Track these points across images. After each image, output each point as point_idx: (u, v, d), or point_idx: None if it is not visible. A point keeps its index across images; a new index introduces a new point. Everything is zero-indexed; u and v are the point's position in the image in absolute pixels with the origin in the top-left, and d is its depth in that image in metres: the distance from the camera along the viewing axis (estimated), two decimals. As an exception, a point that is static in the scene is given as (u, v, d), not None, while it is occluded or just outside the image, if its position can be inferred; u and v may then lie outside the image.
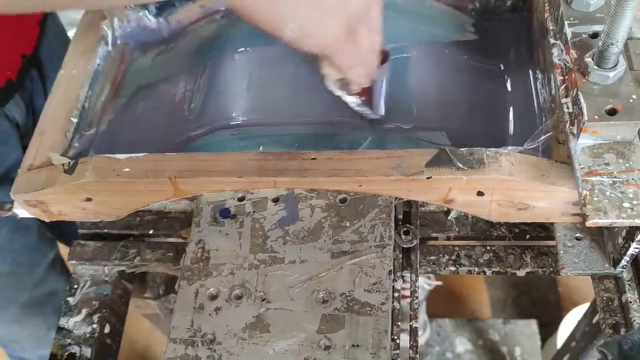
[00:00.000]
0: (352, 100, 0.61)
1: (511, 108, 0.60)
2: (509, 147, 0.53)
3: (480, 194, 0.53)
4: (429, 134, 0.60)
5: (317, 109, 0.63)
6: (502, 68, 0.63)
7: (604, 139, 0.48)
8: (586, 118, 0.46)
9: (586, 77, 0.48)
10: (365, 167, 0.53)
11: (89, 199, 0.60)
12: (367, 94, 0.61)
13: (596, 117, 0.46)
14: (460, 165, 0.51)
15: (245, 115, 0.64)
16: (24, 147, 0.67)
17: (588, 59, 0.48)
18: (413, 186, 0.53)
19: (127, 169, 0.57)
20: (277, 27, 0.49)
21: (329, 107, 0.62)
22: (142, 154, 0.58)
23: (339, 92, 0.60)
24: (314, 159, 0.55)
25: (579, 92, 0.47)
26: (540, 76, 0.60)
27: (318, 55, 0.56)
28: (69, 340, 0.63)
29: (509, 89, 0.62)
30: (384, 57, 0.59)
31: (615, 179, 0.46)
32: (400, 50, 0.64)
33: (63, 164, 0.60)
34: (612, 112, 0.46)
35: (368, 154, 0.54)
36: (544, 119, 0.56)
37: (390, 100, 0.61)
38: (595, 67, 0.47)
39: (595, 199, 0.45)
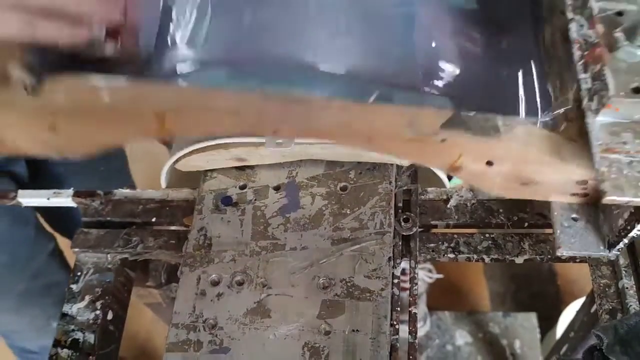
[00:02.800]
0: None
1: (512, 82, 0.59)
2: (523, 117, 0.52)
3: (489, 163, 0.52)
4: (434, 98, 0.58)
5: (329, 49, 0.57)
6: (505, 43, 0.62)
7: (624, 117, 0.47)
8: (612, 93, 0.46)
9: (613, 52, 0.48)
10: (377, 122, 0.51)
11: (53, 129, 0.52)
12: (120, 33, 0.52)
13: (622, 93, 0.46)
14: (476, 130, 0.50)
15: (243, 50, 0.57)
16: None
17: (618, 34, 0.48)
18: (424, 148, 0.51)
19: (106, 97, 0.50)
20: None
21: (342, 50, 0.57)
22: (124, 79, 0.51)
23: None
24: (323, 106, 0.52)
25: (606, 67, 0.47)
26: (544, 51, 0.59)
27: None
28: (72, 327, 0.64)
29: (512, 62, 0.61)
30: None
31: (632, 158, 0.46)
32: (407, 11, 0.61)
33: (24, 82, 0.52)
34: (637, 90, 0.46)
35: (380, 107, 0.52)
36: (547, 95, 0.56)
37: (404, 57, 0.58)
38: (625, 43, 0.47)
39: (612, 176, 0.45)
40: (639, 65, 0.47)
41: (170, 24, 0.56)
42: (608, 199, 0.44)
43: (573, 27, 0.53)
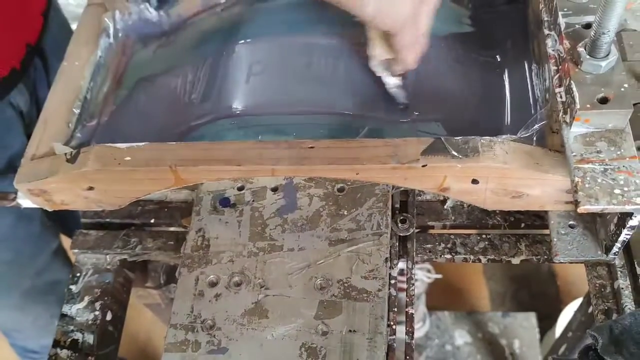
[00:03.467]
0: (394, 82, 0.62)
1: (507, 99, 0.61)
2: (503, 136, 0.53)
3: (475, 181, 0.54)
4: (426, 125, 0.61)
5: (318, 99, 0.64)
6: (498, 60, 0.64)
7: (596, 127, 0.48)
8: (578, 106, 0.47)
9: (579, 66, 0.49)
10: (362, 156, 0.54)
11: (91, 188, 0.61)
12: (405, 79, 0.62)
13: (588, 105, 0.47)
14: (455, 153, 0.52)
15: (245, 105, 0.65)
16: (28, 136, 0.68)
17: (581, 49, 0.49)
18: (409, 174, 0.54)
19: (128, 158, 0.58)
20: (359, 6, 0.53)
21: (330, 97, 0.64)
22: (143, 143, 0.59)
23: (382, 73, 0.62)
24: (311, 147, 0.56)
25: (572, 81, 0.48)
26: (535, 67, 0.61)
27: (369, 37, 0.60)
28: (71, 327, 0.64)
29: (505, 80, 0.63)
30: None
31: (606, 166, 0.47)
32: None
33: (65, 153, 0.61)
34: (603, 101, 0.47)
35: (365, 142, 0.55)
36: (538, 109, 0.57)
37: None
38: (588, 57, 0.48)
39: (587, 185, 0.46)
40: (604, 76, 0.48)
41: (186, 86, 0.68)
42: (582, 208, 0.45)
43: (549, 42, 0.54)
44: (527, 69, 0.62)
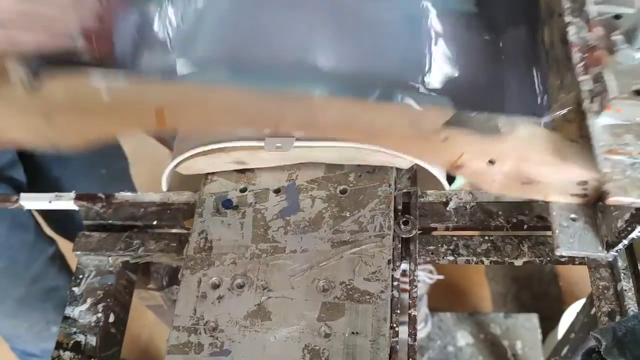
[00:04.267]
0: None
1: (511, 84, 0.60)
2: (526, 118, 0.52)
3: (491, 162, 0.52)
4: (434, 98, 0.58)
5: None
6: (503, 44, 0.63)
7: (626, 119, 0.48)
8: (612, 95, 0.46)
9: (612, 55, 0.48)
10: (378, 120, 0.51)
11: (48, 122, 0.53)
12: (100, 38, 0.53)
13: (624, 95, 0.46)
14: (478, 129, 0.51)
15: (239, 48, 0.58)
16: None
17: (616, 37, 0.48)
18: (426, 147, 0.52)
19: (106, 96, 0.51)
20: None
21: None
22: (124, 81, 0.52)
23: None
24: (323, 103, 0.52)
25: (604, 70, 0.47)
26: (544, 54, 0.60)
27: None
28: (74, 329, 0.64)
29: (511, 64, 0.61)
30: None
31: (635, 160, 0.46)
32: (408, 14, 0.62)
33: (22, 79, 0.53)
34: (639, 93, 0.47)
35: (383, 106, 0.52)
36: (545, 97, 0.56)
37: (406, 57, 0.59)
38: (625, 46, 0.48)
39: (615, 177, 0.46)
40: (639, 67, 0.48)
41: (154, 26, 0.57)
42: (612, 199, 0.45)
43: (571, 30, 0.53)
44: (533, 56, 0.60)
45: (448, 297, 1.48)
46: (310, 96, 0.52)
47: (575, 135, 0.51)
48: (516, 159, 0.52)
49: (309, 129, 0.52)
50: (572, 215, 0.55)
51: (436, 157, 0.53)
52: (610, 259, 0.55)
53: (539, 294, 1.49)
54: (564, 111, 0.53)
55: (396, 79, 0.59)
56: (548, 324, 1.36)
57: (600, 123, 0.48)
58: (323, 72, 0.57)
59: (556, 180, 0.53)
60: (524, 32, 0.62)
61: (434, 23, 0.62)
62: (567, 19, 0.54)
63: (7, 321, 1.02)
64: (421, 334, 1.34)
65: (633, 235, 0.50)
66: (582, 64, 0.51)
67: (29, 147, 0.57)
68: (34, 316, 1.01)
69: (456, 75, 0.60)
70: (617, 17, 0.51)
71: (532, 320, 1.37)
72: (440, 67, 0.60)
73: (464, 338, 1.37)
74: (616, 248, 0.52)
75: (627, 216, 0.50)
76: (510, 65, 0.61)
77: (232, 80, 0.56)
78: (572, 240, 0.54)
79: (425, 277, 1.26)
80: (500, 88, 0.59)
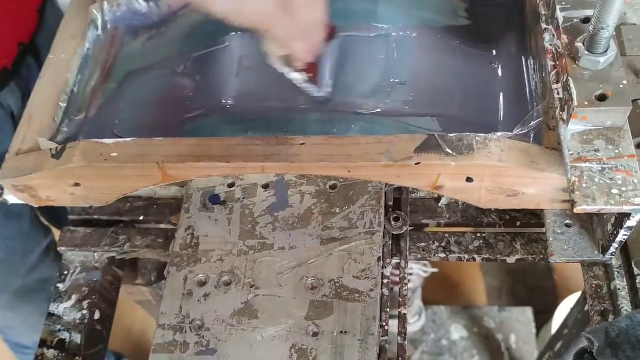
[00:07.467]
0: (297, 77, 0.59)
1: (502, 93, 0.60)
2: (499, 133, 0.52)
3: (469, 179, 0.52)
4: (419, 120, 0.59)
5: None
6: (494, 53, 0.63)
7: (594, 124, 0.47)
8: (576, 103, 0.45)
9: (576, 62, 0.47)
10: (354, 153, 0.53)
11: (77, 184, 0.60)
12: (314, 70, 0.59)
13: (586, 102, 0.46)
14: (449, 150, 0.51)
15: (235, 99, 0.63)
16: None
17: (579, 44, 0.47)
18: (402, 172, 0.53)
19: (114, 154, 0.56)
20: (205, 5, 0.49)
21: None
22: (129, 139, 0.57)
23: (283, 69, 0.59)
24: (302, 143, 0.54)
25: (569, 77, 0.47)
26: (532, 62, 0.59)
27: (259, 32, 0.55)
28: (58, 326, 0.63)
29: (501, 74, 0.61)
30: (331, 33, 0.58)
31: (604, 165, 0.46)
32: (392, 35, 0.63)
33: (50, 149, 0.59)
34: (602, 98, 0.46)
35: (357, 138, 0.54)
36: (535, 105, 0.56)
37: (383, 84, 0.61)
38: (586, 52, 0.47)
39: (583, 185, 0.45)
40: (602, 72, 0.47)
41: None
42: (578, 208, 0.44)
43: (546, 37, 0.52)
44: (524, 63, 0.60)
45: (442, 290, 1.47)
46: (291, 137, 0.55)
47: (557, 142, 0.50)
48: (491, 175, 0.52)
49: (291, 169, 0.55)
50: (567, 221, 0.55)
51: (415, 181, 0.54)
52: (609, 262, 0.54)
53: (533, 287, 1.49)
54: (535, 123, 0.53)
55: (378, 105, 0.60)
56: (542, 317, 1.35)
57: (570, 131, 0.47)
58: (304, 113, 0.61)
59: (540, 189, 0.52)
60: (515, 39, 0.62)
61: (424, 43, 0.64)
62: (543, 25, 0.53)
63: (4, 314, 1.01)
64: (415, 327, 1.34)
65: (619, 238, 0.49)
66: (554, 71, 0.50)
67: (66, 205, 0.66)
68: (29, 308, 1.01)
69: (444, 91, 0.61)
70: (586, 20, 0.49)
71: (526, 314, 1.37)
72: (426, 86, 0.62)
73: (457, 331, 1.37)
74: (610, 251, 0.51)
75: (612, 219, 0.49)
76: (504, 74, 0.61)
77: (228, 129, 0.61)
78: (567, 246, 0.54)
79: (420, 270, 1.25)
80: (496, 97, 0.59)
